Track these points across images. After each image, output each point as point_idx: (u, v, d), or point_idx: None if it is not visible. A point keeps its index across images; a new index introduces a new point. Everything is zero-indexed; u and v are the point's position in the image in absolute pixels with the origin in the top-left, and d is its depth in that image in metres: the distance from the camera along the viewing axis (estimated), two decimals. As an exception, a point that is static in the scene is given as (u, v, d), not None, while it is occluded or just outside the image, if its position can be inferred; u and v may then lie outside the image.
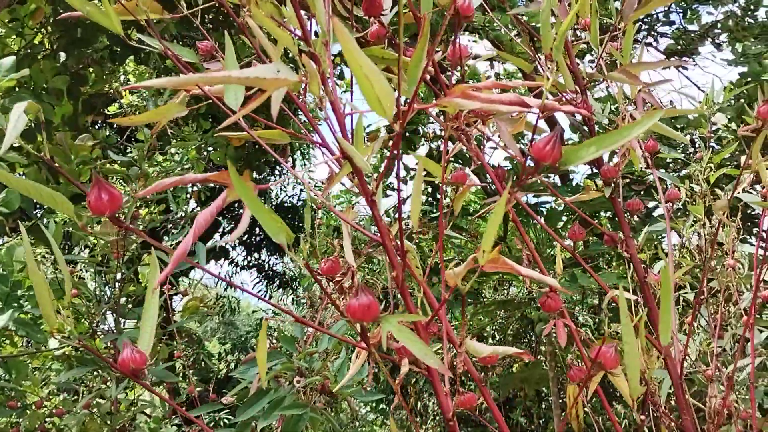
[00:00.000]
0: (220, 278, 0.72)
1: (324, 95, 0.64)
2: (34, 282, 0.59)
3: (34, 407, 2.53)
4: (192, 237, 0.55)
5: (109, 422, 2.24)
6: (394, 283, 0.68)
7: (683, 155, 3.55)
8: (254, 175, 5.47)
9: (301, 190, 8.03)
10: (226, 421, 3.78)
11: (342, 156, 0.67)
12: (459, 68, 0.85)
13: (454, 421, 0.67)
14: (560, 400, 5.51)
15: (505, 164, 4.33)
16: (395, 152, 0.61)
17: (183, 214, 3.33)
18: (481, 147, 1.12)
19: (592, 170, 4.72)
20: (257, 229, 7.89)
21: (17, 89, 3.21)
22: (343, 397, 1.86)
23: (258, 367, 1.86)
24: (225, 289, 9.14)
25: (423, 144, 5.02)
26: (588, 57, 4.17)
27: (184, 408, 2.51)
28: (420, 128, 4.89)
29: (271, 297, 9.69)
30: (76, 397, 2.86)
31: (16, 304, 2.47)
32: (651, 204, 3.97)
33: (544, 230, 5.27)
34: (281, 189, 8.20)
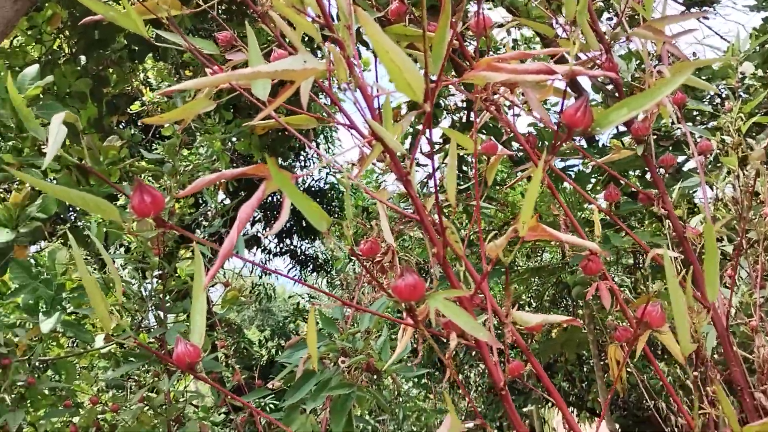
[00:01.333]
0: (259, 266, 0.73)
1: (351, 80, 0.64)
2: (87, 286, 0.60)
3: (89, 404, 2.60)
4: (236, 232, 0.56)
5: (164, 414, 2.29)
6: (434, 260, 0.69)
7: (710, 107, 3.48)
8: (279, 161, 5.50)
9: (327, 173, 8.05)
10: (271, 406, 3.85)
11: (373, 138, 0.68)
12: (483, 38, 0.84)
13: (506, 390, 0.68)
14: (601, 362, 5.50)
15: (530, 130, 4.30)
16: (426, 130, 0.62)
17: (212, 206, 3.37)
18: (506, 115, 1.11)
19: (617, 129, 4.67)
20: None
21: (41, 96, 3.25)
22: (387, 374, 1.88)
23: (302, 350, 1.89)
24: (260, 277, 9.23)
25: (445, 117, 5.00)
26: (605, 15, 4.10)
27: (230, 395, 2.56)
28: (441, 101, 4.86)
29: (305, 281, 9.78)
30: (123, 393, 2.93)
31: (60, 307, 2.54)
32: (680, 159, 3.91)
33: (574, 194, 5.22)
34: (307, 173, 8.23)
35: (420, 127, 0.68)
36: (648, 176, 4.22)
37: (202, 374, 0.64)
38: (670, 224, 1.10)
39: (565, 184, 4.87)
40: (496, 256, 0.65)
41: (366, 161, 0.78)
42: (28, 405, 2.52)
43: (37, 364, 2.56)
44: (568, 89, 1.01)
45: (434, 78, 0.61)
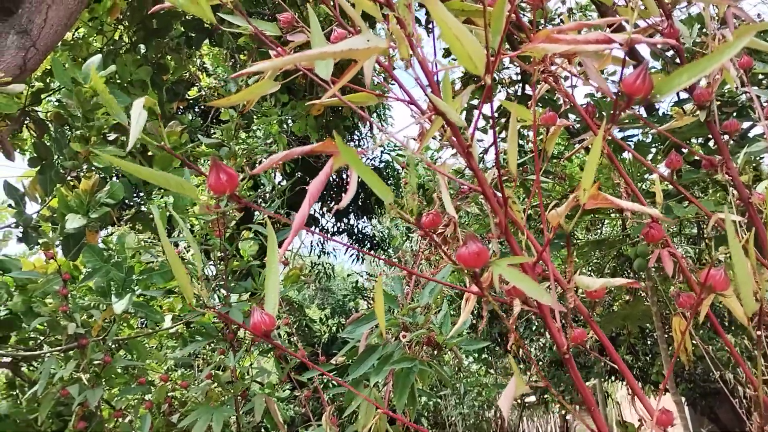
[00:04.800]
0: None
1: (411, 56, 0.66)
2: (170, 259, 0.64)
3: (160, 382, 2.71)
4: (307, 205, 0.59)
5: (231, 390, 2.37)
6: (496, 230, 0.70)
7: (777, 70, 3.36)
8: (334, 141, 5.54)
9: (382, 152, 8.09)
10: (334, 383, 3.92)
11: (434, 112, 0.69)
12: (540, 10, 0.85)
13: (569, 354, 0.70)
14: (665, 335, 5.41)
15: (587, 101, 4.23)
16: (486, 103, 0.63)
17: (271, 188, 3.43)
18: (563, 86, 1.11)
19: (678, 97, 4.55)
20: (343, 194, 8.04)
21: (105, 85, 3.36)
22: (449, 347, 1.90)
23: (363, 326, 1.92)
24: (318, 257, 9.36)
25: (500, 90, 4.96)
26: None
27: (294, 372, 2.63)
28: (496, 75, 4.82)
29: (363, 260, 9.88)
30: (191, 371, 3.03)
31: (131, 289, 2.64)
32: (745, 125, 3.80)
33: (633, 165, 5.12)
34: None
35: (476, 102, 0.70)
36: (711, 144, 4.11)
37: (277, 341, 0.68)
38: (735, 190, 1.09)
39: (625, 155, 4.78)
40: (557, 223, 0.67)
41: (426, 136, 0.80)
42: (104, 383, 2.63)
43: (110, 344, 2.66)
44: (627, 58, 1.00)
45: (494, 50, 0.62)
